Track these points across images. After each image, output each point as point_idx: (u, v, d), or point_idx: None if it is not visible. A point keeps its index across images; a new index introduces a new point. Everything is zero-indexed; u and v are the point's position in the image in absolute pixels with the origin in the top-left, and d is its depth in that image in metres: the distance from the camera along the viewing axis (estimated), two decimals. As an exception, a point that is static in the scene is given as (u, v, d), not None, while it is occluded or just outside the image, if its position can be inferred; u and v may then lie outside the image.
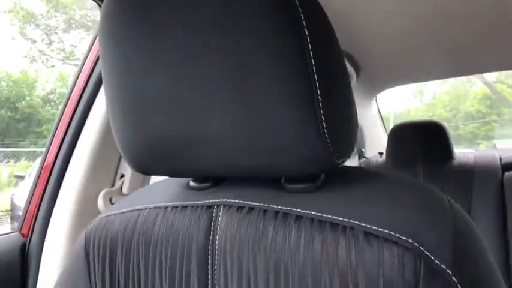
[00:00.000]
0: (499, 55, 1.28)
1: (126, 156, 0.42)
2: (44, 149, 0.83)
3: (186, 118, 0.36)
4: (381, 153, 1.73)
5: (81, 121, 0.81)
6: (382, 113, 1.94)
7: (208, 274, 0.38)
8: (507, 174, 1.14)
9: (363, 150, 1.73)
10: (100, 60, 0.41)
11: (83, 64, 0.83)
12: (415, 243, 0.30)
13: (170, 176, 0.44)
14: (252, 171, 0.38)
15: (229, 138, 0.36)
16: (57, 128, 0.82)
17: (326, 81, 0.33)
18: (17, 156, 8.82)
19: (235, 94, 0.34)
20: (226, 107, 0.34)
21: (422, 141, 1.26)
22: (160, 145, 0.39)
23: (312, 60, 0.32)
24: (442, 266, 0.30)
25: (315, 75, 0.32)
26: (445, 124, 1.30)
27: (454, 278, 0.29)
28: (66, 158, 0.80)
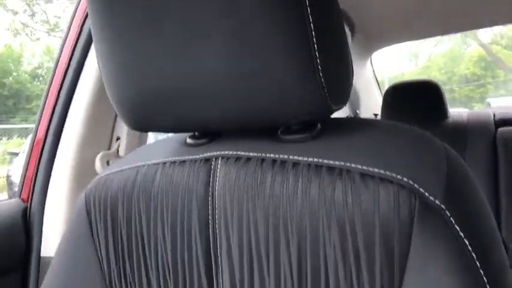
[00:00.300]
0: (495, 9, 1.26)
1: (121, 113, 0.41)
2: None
3: (180, 70, 0.36)
4: (375, 115, 1.73)
5: (72, 84, 0.80)
6: (377, 77, 1.92)
7: (209, 224, 0.38)
8: (500, 130, 1.15)
9: (358, 112, 1.73)
10: (89, 16, 0.39)
11: (70, 25, 0.80)
12: (410, 181, 0.31)
13: (166, 131, 0.44)
14: (249, 121, 0.37)
15: (225, 89, 0.35)
16: (49, 91, 0.81)
17: (322, 29, 0.33)
18: (9, 134, 8.75)
19: (232, 44, 0.33)
20: (222, 57, 0.34)
21: (416, 100, 1.27)
22: (155, 99, 0.38)
23: (308, 5, 0.32)
24: (436, 201, 0.30)
25: (311, 17, 0.32)
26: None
27: (447, 212, 0.30)
28: (60, 122, 0.79)
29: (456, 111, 1.32)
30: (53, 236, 0.75)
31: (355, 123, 0.40)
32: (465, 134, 1.17)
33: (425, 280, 0.30)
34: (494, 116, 1.21)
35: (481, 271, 0.29)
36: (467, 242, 0.30)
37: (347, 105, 1.73)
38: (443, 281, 0.29)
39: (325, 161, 0.34)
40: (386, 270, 0.31)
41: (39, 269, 0.75)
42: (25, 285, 0.75)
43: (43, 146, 0.79)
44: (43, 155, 0.78)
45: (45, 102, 0.82)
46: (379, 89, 1.92)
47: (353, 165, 0.33)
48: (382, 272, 0.31)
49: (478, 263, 0.30)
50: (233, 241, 0.36)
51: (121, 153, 0.82)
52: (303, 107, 0.35)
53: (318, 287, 0.33)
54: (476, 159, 1.12)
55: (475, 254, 0.30)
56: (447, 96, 1.34)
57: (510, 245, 1.05)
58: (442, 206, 0.30)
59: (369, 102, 1.79)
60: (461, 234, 0.30)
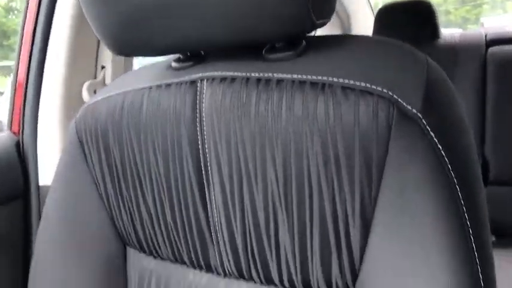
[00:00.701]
0: None
1: (103, 38, 0.40)
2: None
3: None
4: (367, 38, 1.69)
5: (49, 13, 0.76)
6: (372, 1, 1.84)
7: (198, 145, 0.39)
8: (491, 49, 1.15)
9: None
10: None
11: None
12: (389, 92, 0.32)
13: (150, 55, 0.43)
14: (232, 39, 0.37)
15: (208, 6, 0.34)
16: (25, 23, 0.77)
17: None
18: (-10, 73, 8.42)
19: None
20: None
21: (408, 20, 1.24)
22: (137, 21, 0.37)
23: None
24: (413, 110, 0.31)
25: None
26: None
27: (423, 121, 0.31)
28: (41, 55, 0.77)
29: (448, 32, 1.30)
30: (48, 165, 0.77)
31: (339, 39, 0.40)
32: (456, 53, 1.17)
33: (400, 186, 0.32)
34: (486, 36, 1.20)
35: (455, 180, 0.31)
36: (443, 152, 0.31)
37: (339, 28, 1.69)
38: (417, 187, 0.31)
39: (309, 77, 0.34)
40: (366, 179, 0.33)
41: (39, 198, 0.78)
42: (28, 213, 0.78)
43: (27, 79, 0.77)
44: (29, 88, 0.77)
45: (22, 34, 0.78)
46: (372, 10, 1.85)
47: (335, 79, 0.33)
48: (361, 180, 0.33)
49: (452, 173, 0.31)
50: (223, 160, 0.38)
51: (107, 81, 0.82)
52: (286, 22, 0.34)
53: (303, 198, 0.35)
54: (466, 78, 1.13)
55: (450, 165, 0.31)
56: (443, 18, 1.31)
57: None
58: (419, 114, 0.31)
59: (361, 25, 1.74)
60: (437, 142, 0.31)
